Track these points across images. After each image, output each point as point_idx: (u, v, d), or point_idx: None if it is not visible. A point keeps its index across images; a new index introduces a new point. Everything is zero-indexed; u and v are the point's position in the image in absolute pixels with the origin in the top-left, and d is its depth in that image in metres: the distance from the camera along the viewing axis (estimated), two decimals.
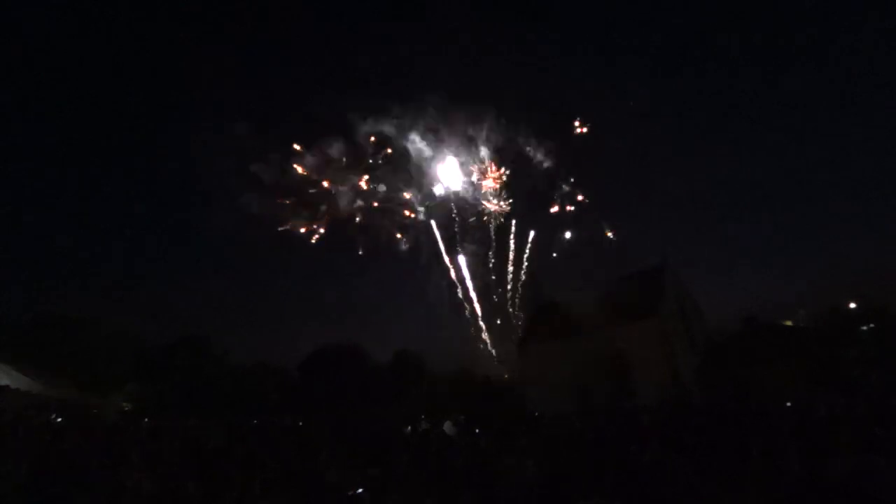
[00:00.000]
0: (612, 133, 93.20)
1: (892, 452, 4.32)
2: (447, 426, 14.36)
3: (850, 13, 75.57)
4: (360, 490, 5.68)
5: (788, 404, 12.28)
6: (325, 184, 36.79)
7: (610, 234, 37.90)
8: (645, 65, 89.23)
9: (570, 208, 39.89)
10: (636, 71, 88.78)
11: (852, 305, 28.54)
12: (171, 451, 8.59)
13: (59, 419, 12.79)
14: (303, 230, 37.16)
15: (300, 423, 18.84)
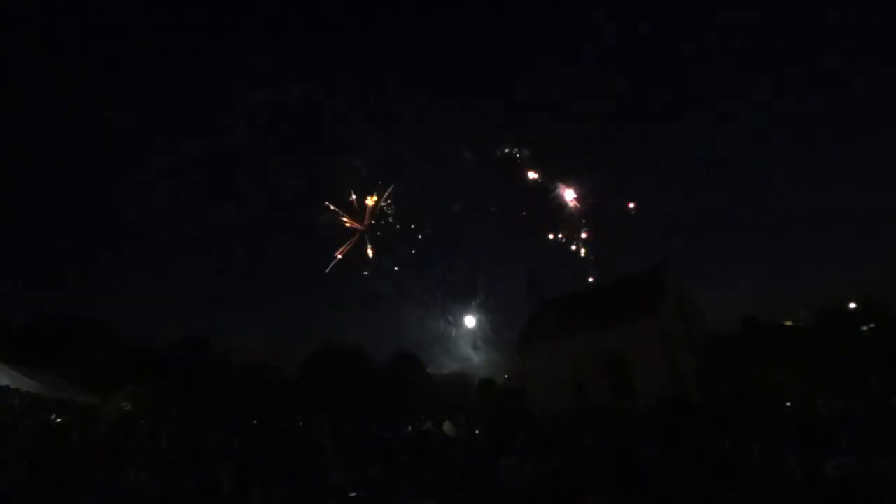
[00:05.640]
0: (612, 134, 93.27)
1: (892, 452, 4.32)
2: (447, 426, 14.36)
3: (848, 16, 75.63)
4: (360, 490, 5.69)
5: (788, 404, 12.29)
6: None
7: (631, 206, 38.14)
8: (645, 65, 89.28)
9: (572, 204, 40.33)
10: (637, 72, 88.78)
11: (852, 305, 28.53)
12: (171, 451, 8.59)
13: (59, 419, 12.78)
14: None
15: (300, 423, 18.82)
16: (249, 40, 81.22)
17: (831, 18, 77.30)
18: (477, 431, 13.37)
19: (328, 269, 40.80)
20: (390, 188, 43.20)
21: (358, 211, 42.67)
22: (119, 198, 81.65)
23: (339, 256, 40.66)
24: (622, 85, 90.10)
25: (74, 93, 73.88)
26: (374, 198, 42.37)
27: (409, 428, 15.31)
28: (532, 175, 41.02)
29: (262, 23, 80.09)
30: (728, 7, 79.87)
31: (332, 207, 40.64)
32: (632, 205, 39.34)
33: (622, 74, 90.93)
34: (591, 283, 34.44)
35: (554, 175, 40.87)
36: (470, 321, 50.48)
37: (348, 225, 41.31)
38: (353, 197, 42.66)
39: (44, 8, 63.95)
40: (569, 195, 40.03)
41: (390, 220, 42.90)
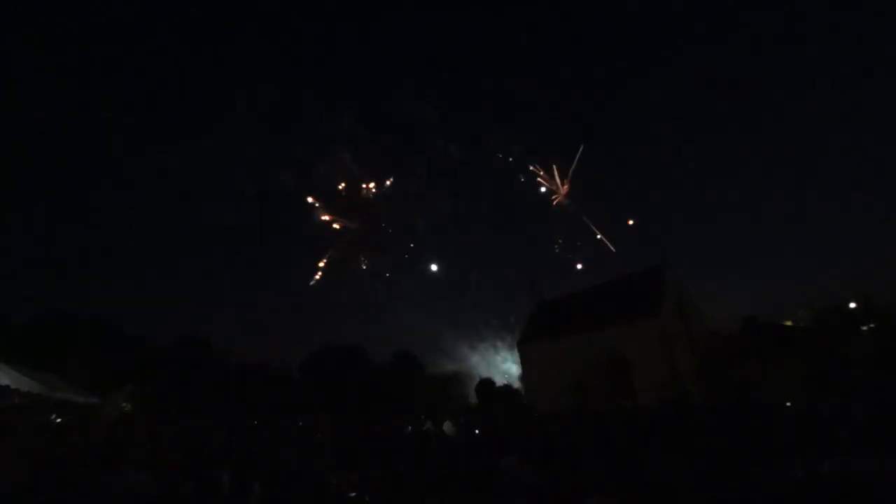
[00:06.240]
0: (612, 134, 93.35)
1: (892, 452, 4.32)
2: (447, 426, 14.35)
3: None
4: (360, 490, 5.69)
5: (788, 404, 12.28)
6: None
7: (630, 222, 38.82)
8: (644, 66, 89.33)
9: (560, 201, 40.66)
10: (636, 73, 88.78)
11: (852, 305, 28.45)
12: (171, 451, 8.59)
13: (59, 419, 12.77)
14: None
15: (300, 423, 18.82)
16: (248, 38, 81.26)
17: (832, 17, 77.32)
18: (477, 431, 13.37)
19: (311, 283, 40.86)
20: (387, 183, 43.12)
21: (350, 210, 42.62)
22: (118, 197, 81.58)
23: (322, 265, 40.80)
24: (621, 84, 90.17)
25: (74, 93, 73.85)
26: (371, 185, 42.20)
27: (409, 428, 15.32)
28: (535, 178, 41.19)
29: (260, 21, 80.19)
30: (725, 7, 79.92)
31: (314, 202, 40.49)
32: (631, 221, 40.02)
33: (622, 73, 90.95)
34: (591, 283, 34.46)
35: (553, 175, 41.01)
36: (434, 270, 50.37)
37: (338, 227, 41.33)
38: (343, 187, 42.48)
39: (44, 8, 63.99)
40: (563, 190, 40.21)
41: (383, 226, 42.95)
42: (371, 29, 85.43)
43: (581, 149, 37.92)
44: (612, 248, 38.15)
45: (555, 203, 40.30)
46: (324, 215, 41.02)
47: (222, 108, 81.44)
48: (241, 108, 73.72)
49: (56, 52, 69.30)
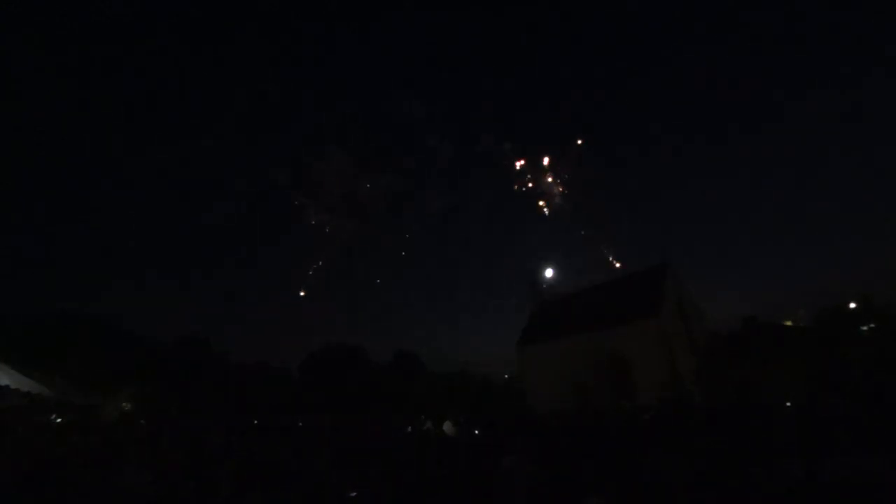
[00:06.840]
0: (612, 135, 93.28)
1: (892, 452, 4.32)
2: (447, 426, 14.35)
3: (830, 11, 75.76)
4: (360, 490, 5.69)
5: (788, 404, 12.27)
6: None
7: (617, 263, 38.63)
8: (644, 66, 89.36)
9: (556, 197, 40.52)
10: (636, 73, 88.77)
11: (852, 305, 28.46)
12: (171, 451, 8.59)
13: (59, 419, 12.78)
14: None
15: (300, 423, 18.81)
16: (248, 38, 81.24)
17: (832, 17, 77.31)
18: (477, 431, 13.37)
19: (302, 293, 40.91)
20: (385, 182, 43.13)
21: (347, 210, 42.65)
22: (118, 197, 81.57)
23: (311, 272, 40.83)
24: (621, 84, 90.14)
25: (74, 93, 73.79)
26: (369, 185, 42.05)
27: (409, 428, 15.32)
28: (533, 179, 41.13)
29: (260, 21, 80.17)
30: (725, 7, 79.95)
31: (306, 203, 40.53)
32: (629, 228, 40.30)
33: (622, 73, 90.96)
34: (591, 283, 34.43)
35: (551, 176, 40.97)
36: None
37: (328, 229, 41.34)
38: (340, 186, 42.43)
39: (44, 8, 63.95)
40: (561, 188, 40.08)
41: (376, 229, 43.13)
42: (371, 29, 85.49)
43: (579, 149, 37.83)
44: (614, 261, 38.15)
45: (550, 205, 40.28)
46: (317, 216, 41.06)
47: (222, 108, 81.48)
48: (240, 108, 73.66)
49: (56, 52, 69.25)
